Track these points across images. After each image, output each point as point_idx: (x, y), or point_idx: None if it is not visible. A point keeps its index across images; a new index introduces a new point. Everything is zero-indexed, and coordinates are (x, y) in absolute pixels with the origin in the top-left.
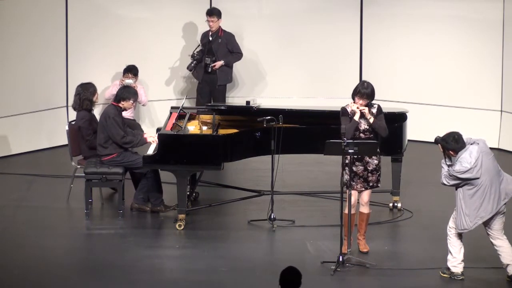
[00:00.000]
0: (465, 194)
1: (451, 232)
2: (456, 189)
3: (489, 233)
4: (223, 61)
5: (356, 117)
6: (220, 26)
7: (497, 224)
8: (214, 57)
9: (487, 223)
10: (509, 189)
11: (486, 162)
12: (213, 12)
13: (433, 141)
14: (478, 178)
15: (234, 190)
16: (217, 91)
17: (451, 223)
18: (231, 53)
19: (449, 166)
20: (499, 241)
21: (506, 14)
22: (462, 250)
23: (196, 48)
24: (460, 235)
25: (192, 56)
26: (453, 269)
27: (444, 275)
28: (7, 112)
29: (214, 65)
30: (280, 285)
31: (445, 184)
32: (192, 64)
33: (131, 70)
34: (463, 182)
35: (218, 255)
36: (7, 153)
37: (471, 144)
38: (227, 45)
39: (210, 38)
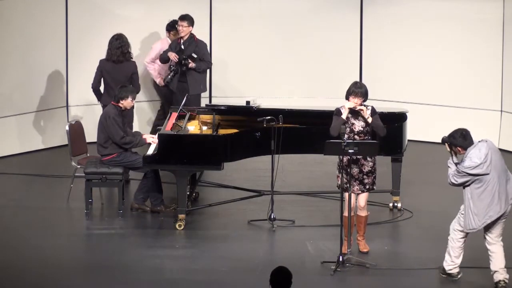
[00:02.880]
0: (474, 193)
1: (456, 236)
2: (464, 188)
3: (487, 237)
4: (194, 65)
5: (344, 115)
6: (193, 34)
7: (499, 229)
8: (188, 58)
9: (489, 227)
10: None
11: (495, 159)
12: (185, 18)
13: (433, 141)
14: (487, 174)
15: (234, 190)
16: (190, 101)
17: (455, 225)
18: (201, 61)
19: (456, 164)
20: (495, 246)
21: (506, 14)
22: (462, 255)
23: (171, 62)
24: (464, 240)
25: (170, 68)
26: (448, 272)
27: (443, 276)
28: (7, 112)
29: (189, 63)
30: (271, 285)
31: (453, 184)
32: (169, 76)
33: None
34: (471, 179)
35: (218, 255)
36: (7, 153)
37: (479, 141)
38: (198, 53)
39: (182, 47)
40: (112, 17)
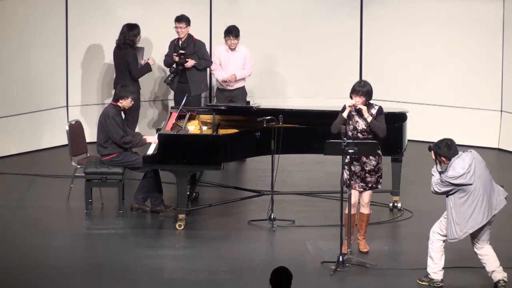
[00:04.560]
0: (456, 202)
1: (435, 237)
2: (447, 197)
3: (475, 243)
4: (194, 61)
5: (345, 114)
6: (190, 34)
7: (486, 235)
8: (184, 58)
9: (475, 234)
10: (500, 200)
11: (479, 170)
12: (182, 19)
13: (433, 141)
14: (471, 185)
15: (234, 190)
16: (191, 102)
17: (436, 228)
18: (201, 59)
19: (440, 173)
20: (484, 250)
21: (506, 14)
22: (443, 257)
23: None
24: (443, 242)
25: (170, 69)
26: (433, 276)
27: (423, 283)
28: (7, 112)
29: (187, 61)
30: (271, 284)
31: (436, 192)
32: (170, 78)
33: (232, 32)
34: (454, 189)
35: (218, 255)
36: (7, 153)
37: (464, 152)
38: (197, 52)
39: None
40: (113, 17)
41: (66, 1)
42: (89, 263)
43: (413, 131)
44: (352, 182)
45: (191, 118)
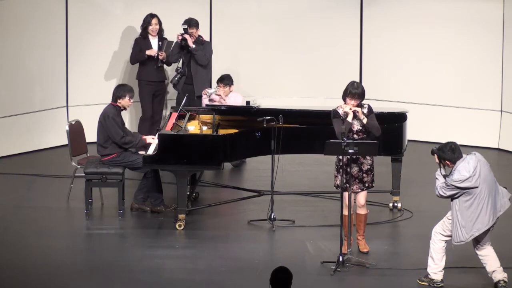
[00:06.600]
0: (462, 205)
1: (437, 238)
2: (452, 201)
3: (477, 244)
4: (194, 46)
5: (349, 118)
6: (201, 36)
7: (488, 237)
8: (188, 28)
9: (479, 237)
10: (504, 202)
11: (484, 172)
12: (192, 23)
13: (433, 141)
14: (476, 187)
15: (234, 190)
16: (193, 103)
17: (438, 229)
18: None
19: (444, 177)
20: (485, 251)
21: (506, 14)
22: (444, 258)
23: (178, 64)
24: (445, 243)
25: (176, 70)
26: (433, 276)
27: (423, 283)
28: (7, 112)
29: (187, 38)
30: (271, 284)
31: (442, 196)
32: (176, 78)
33: (223, 80)
34: (460, 192)
35: (218, 255)
36: (7, 153)
37: (468, 155)
38: (202, 49)
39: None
40: (112, 18)
41: (66, 1)
42: (89, 263)
43: (413, 131)
44: (348, 185)
45: (191, 118)
